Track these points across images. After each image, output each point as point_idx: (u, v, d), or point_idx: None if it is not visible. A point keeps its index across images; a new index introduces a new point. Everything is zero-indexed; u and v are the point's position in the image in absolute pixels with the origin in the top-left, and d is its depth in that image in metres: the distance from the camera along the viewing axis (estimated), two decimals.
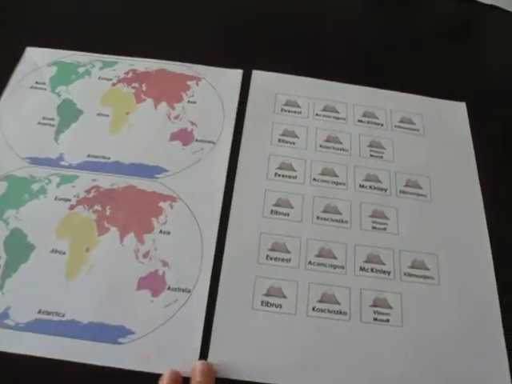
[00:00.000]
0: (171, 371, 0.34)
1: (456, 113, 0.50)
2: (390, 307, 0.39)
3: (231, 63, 0.49)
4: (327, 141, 0.46)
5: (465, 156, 0.47)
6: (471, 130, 0.49)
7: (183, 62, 0.49)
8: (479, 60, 0.56)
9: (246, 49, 0.51)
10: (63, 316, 0.37)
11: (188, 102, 0.47)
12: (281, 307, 0.38)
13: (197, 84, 0.48)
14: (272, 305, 0.38)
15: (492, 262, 0.42)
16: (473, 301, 0.40)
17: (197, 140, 0.45)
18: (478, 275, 0.41)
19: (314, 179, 0.44)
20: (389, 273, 0.40)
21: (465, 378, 0.37)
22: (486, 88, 0.53)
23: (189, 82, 0.48)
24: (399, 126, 0.48)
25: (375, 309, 0.39)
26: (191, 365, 0.35)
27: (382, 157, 0.46)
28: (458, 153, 0.47)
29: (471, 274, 0.41)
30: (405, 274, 0.40)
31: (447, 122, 0.49)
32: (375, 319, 0.38)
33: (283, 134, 0.46)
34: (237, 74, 0.49)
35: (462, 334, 0.38)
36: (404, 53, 0.54)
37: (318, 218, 0.42)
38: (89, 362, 0.35)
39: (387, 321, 0.38)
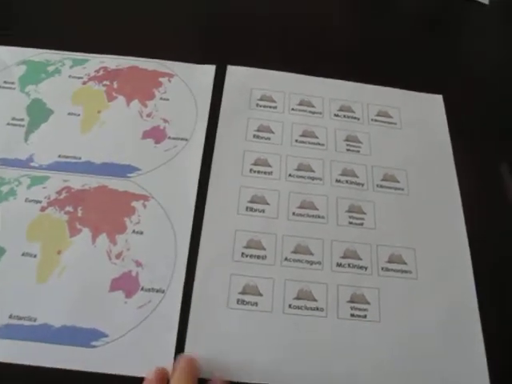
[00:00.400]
0: (157, 370, 0.33)
1: (433, 105, 0.49)
2: (368, 303, 0.39)
3: (205, 59, 0.49)
4: (303, 136, 0.46)
5: (442, 149, 0.47)
6: (448, 123, 0.48)
7: (155, 58, 0.48)
8: (456, 53, 0.55)
9: (220, 44, 0.51)
10: (35, 320, 0.36)
11: (160, 99, 0.46)
12: (257, 305, 0.38)
13: (169, 81, 0.47)
14: (248, 303, 0.38)
15: (469, 255, 0.41)
16: (450, 294, 0.40)
17: (169, 137, 0.44)
18: (456, 268, 0.41)
19: (290, 175, 0.43)
20: (366, 268, 0.40)
21: (443, 373, 0.37)
22: (462, 80, 0.52)
23: (161, 79, 0.47)
24: (376, 120, 0.48)
25: (352, 305, 0.38)
26: (166, 365, 0.34)
27: (358, 151, 0.46)
28: (435, 146, 0.47)
29: (449, 268, 0.41)
30: (382, 268, 0.40)
31: (424, 115, 0.49)
32: (352, 315, 0.38)
33: (258, 130, 0.45)
34: (210, 70, 0.48)
35: (439, 328, 0.38)
36: (380, 46, 0.54)
37: (293, 213, 0.42)
38: (62, 366, 0.35)
39: (364, 316, 0.38)
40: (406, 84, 0.50)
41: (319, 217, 0.42)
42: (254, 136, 0.45)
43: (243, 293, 0.38)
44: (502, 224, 0.44)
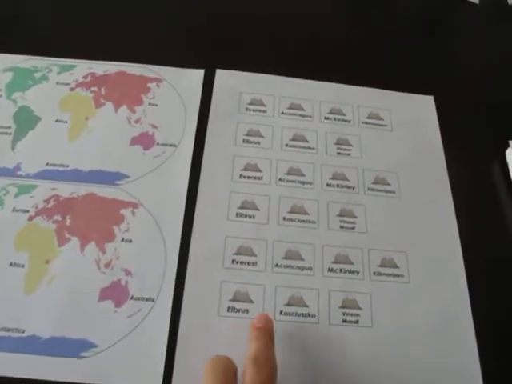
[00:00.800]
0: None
1: (424, 106, 0.49)
2: (360, 308, 0.38)
3: (194, 63, 0.48)
4: (293, 139, 0.45)
5: (433, 150, 0.46)
6: (439, 124, 0.48)
7: (143, 63, 0.47)
8: (446, 53, 0.55)
9: (208, 48, 0.50)
10: (23, 332, 0.35)
11: (149, 104, 0.45)
12: (248, 312, 0.37)
13: (157, 86, 0.46)
14: (239, 310, 0.37)
15: (462, 258, 0.41)
16: (443, 297, 0.39)
17: (158, 144, 0.43)
18: (449, 271, 0.41)
19: (280, 179, 0.43)
20: (358, 273, 0.40)
21: (437, 375, 0.36)
22: (453, 81, 0.52)
23: (149, 84, 0.46)
24: (367, 122, 0.47)
25: (344, 310, 0.38)
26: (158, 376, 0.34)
27: (349, 154, 0.45)
28: (427, 147, 0.47)
29: (441, 271, 0.40)
30: (374, 273, 0.40)
31: (415, 116, 0.48)
32: (344, 321, 0.38)
33: (248, 134, 0.45)
34: (198, 74, 0.47)
35: (433, 332, 0.38)
36: (370, 48, 0.54)
37: (284, 219, 0.41)
38: (51, 378, 0.34)
39: (356, 322, 0.38)
40: (396, 85, 0.50)
41: (310, 221, 0.41)
42: (244, 141, 0.45)
43: (234, 300, 0.38)
44: (494, 225, 0.44)
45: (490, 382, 0.37)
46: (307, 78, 0.49)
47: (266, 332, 0.34)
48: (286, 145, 0.45)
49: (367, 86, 0.49)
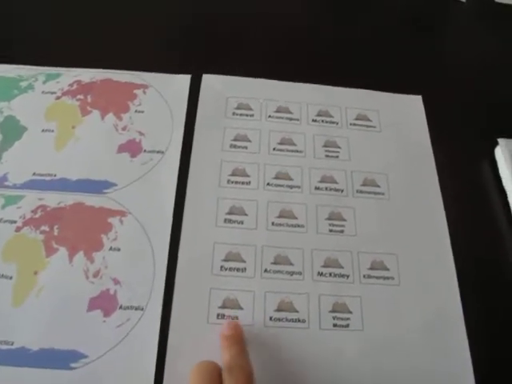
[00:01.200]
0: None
1: (412, 106, 0.49)
2: (350, 312, 0.38)
3: (180, 69, 0.48)
4: (281, 143, 0.45)
5: (422, 150, 0.46)
6: (428, 123, 0.48)
7: (130, 69, 0.47)
8: (433, 52, 0.55)
9: (195, 53, 0.50)
10: (12, 344, 0.35)
11: (135, 111, 0.45)
12: (237, 319, 0.37)
13: (144, 92, 0.46)
14: (228, 317, 0.37)
15: (453, 259, 0.41)
16: (434, 299, 0.39)
17: (145, 151, 0.43)
18: (439, 273, 0.40)
19: (268, 184, 0.43)
20: (347, 276, 0.40)
21: (430, 377, 0.36)
22: (441, 80, 0.52)
23: (136, 91, 0.46)
24: (355, 124, 0.47)
25: (334, 314, 0.38)
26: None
27: (337, 156, 0.45)
28: (416, 148, 0.46)
29: (432, 272, 0.40)
30: (364, 276, 0.40)
31: (404, 117, 0.48)
32: (335, 325, 0.38)
33: (235, 139, 0.45)
34: (185, 80, 0.47)
35: (424, 333, 0.38)
36: (357, 48, 0.53)
37: (273, 223, 0.41)
38: None
39: (347, 326, 0.38)
40: (384, 85, 0.50)
41: (299, 226, 0.41)
42: (231, 145, 0.44)
43: (223, 307, 0.37)
44: (485, 225, 0.44)
45: (483, 382, 0.36)
46: (295, 81, 0.49)
47: (236, 339, 0.34)
48: (274, 149, 0.45)
49: (355, 87, 0.49)
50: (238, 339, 0.35)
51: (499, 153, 0.46)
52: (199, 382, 0.31)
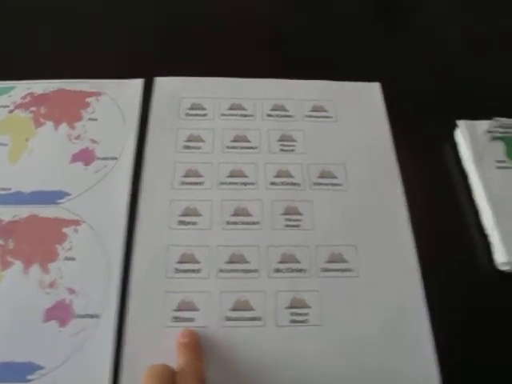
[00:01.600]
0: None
1: (370, 94, 0.48)
2: (309, 306, 0.38)
3: (134, 74, 0.48)
4: (234, 141, 0.45)
5: (381, 138, 0.45)
6: (388, 111, 0.47)
7: (83, 78, 0.47)
8: (392, 39, 0.54)
9: (146, 57, 0.50)
10: None
11: (89, 119, 0.45)
12: (194, 321, 0.37)
13: (97, 100, 0.46)
14: (184, 320, 0.37)
15: (414, 249, 0.40)
16: (395, 290, 0.38)
17: (99, 158, 0.43)
18: (400, 263, 0.40)
19: (222, 183, 0.42)
20: (305, 271, 0.39)
21: (391, 371, 0.36)
22: (400, 67, 0.51)
23: (88, 99, 0.46)
24: (310, 116, 0.46)
25: (292, 310, 0.37)
26: None
27: (293, 150, 0.44)
28: (374, 135, 0.46)
29: (392, 263, 0.40)
30: (322, 269, 0.39)
31: (361, 105, 0.47)
32: (292, 321, 0.37)
33: (189, 140, 0.44)
34: (137, 84, 0.47)
35: (385, 326, 0.37)
36: (311, 38, 0.53)
37: (227, 222, 0.41)
38: None
39: (305, 321, 0.37)
40: (341, 75, 0.49)
41: (254, 223, 0.41)
42: (185, 147, 0.44)
43: (179, 310, 0.37)
44: (447, 215, 0.43)
45: (447, 374, 0.36)
46: (248, 77, 0.48)
47: (191, 346, 0.35)
48: (227, 147, 0.44)
49: (313, 78, 0.48)
50: (193, 345, 0.35)
51: (459, 135, 0.45)
52: None
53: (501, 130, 0.45)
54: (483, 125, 0.45)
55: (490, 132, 0.45)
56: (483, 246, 0.41)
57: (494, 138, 0.45)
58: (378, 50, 0.52)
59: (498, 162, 0.45)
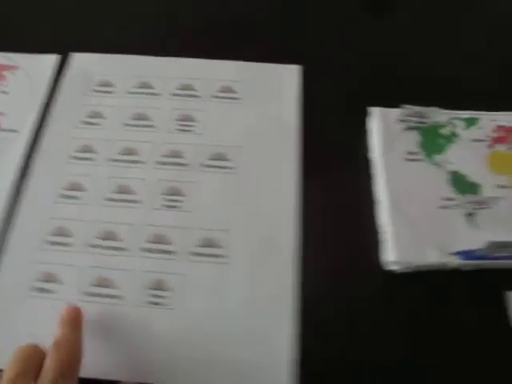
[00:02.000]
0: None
1: (286, 77, 0.46)
2: (170, 289, 0.37)
3: (53, 49, 0.48)
4: (134, 119, 0.44)
5: (286, 123, 0.43)
6: (305, 95, 0.45)
7: (3, 51, 0.48)
8: (316, 21, 0.51)
9: (67, 32, 0.50)
10: None
11: (2, 92, 0.46)
12: (55, 293, 0.37)
13: (13, 73, 0.47)
14: (47, 291, 0.37)
15: (294, 242, 0.38)
16: (264, 283, 0.37)
17: (3, 130, 0.44)
18: (276, 256, 0.38)
19: (113, 160, 0.42)
20: (174, 253, 0.38)
21: (248, 362, 0.34)
22: (327, 52, 0.48)
23: (4, 72, 0.47)
24: (217, 96, 0.45)
25: (154, 292, 0.37)
26: None
27: (191, 130, 0.43)
28: (279, 120, 0.44)
29: (267, 255, 0.38)
30: (192, 253, 0.38)
31: (273, 88, 0.45)
32: (150, 302, 0.36)
33: (89, 116, 0.44)
34: (51, 59, 0.48)
35: (245, 319, 0.36)
36: (231, 19, 0.51)
37: (108, 199, 0.40)
38: None
39: (161, 304, 0.36)
40: (262, 56, 0.47)
41: (134, 201, 0.40)
42: (84, 122, 0.44)
43: (43, 280, 0.37)
44: (343, 208, 0.40)
45: (306, 367, 0.34)
46: (165, 55, 0.47)
47: (71, 319, 0.33)
48: (127, 124, 0.44)
49: (227, 58, 0.47)
50: (73, 319, 0.34)
51: (371, 123, 0.42)
52: (15, 367, 0.30)
53: (415, 119, 0.41)
54: (396, 113, 0.42)
55: (403, 121, 0.41)
56: (374, 244, 0.38)
57: (410, 128, 0.42)
58: (302, 35, 0.49)
59: (410, 153, 0.41)
